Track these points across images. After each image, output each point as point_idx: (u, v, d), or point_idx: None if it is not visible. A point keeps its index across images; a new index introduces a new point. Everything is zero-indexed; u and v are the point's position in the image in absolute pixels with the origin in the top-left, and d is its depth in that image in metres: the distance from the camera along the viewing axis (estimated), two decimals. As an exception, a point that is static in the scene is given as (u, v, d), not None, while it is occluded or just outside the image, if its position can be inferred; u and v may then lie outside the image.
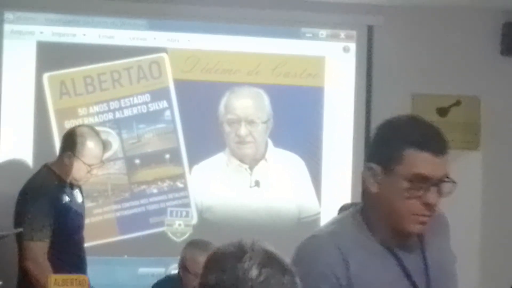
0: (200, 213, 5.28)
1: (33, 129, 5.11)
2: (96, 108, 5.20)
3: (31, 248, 4.15)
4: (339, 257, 2.06)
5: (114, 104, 5.22)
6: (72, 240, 4.34)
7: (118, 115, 5.23)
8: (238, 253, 1.64)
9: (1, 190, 4.77)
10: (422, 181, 2.04)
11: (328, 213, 5.08)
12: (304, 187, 5.38)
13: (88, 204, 4.86)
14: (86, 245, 4.51)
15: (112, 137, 5.19)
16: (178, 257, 4.22)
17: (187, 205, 5.28)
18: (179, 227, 5.24)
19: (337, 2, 5.34)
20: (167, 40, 5.30)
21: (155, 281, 4.50)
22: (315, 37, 5.44)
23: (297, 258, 2.09)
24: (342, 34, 5.46)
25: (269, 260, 1.64)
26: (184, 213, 5.26)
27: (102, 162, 4.49)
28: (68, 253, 4.26)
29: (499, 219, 5.47)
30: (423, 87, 5.47)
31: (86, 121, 5.11)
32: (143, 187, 5.23)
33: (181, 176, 5.27)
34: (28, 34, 5.15)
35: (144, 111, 5.25)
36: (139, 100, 5.24)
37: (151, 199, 5.23)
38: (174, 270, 4.71)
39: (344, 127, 5.41)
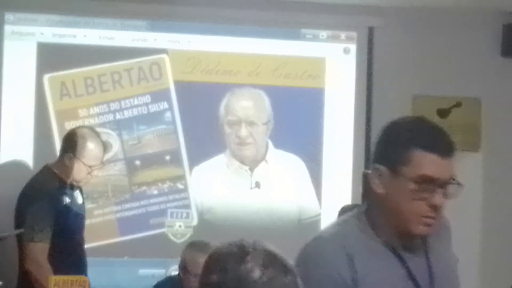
0: (201, 214, 5.28)
1: (33, 130, 5.11)
2: (96, 109, 5.20)
3: (31, 249, 4.15)
4: (344, 258, 2.06)
5: (114, 105, 5.22)
6: (73, 241, 4.34)
7: (118, 116, 5.22)
8: (240, 253, 1.64)
9: (1, 191, 4.77)
10: (429, 183, 2.03)
11: (328, 215, 5.08)
12: (304, 189, 5.38)
13: (89, 205, 4.86)
14: (86, 246, 4.51)
15: (112, 138, 5.19)
16: (179, 258, 4.23)
17: (188, 206, 5.28)
18: (180, 229, 5.24)
19: (338, 4, 5.33)
20: (167, 41, 5.30)
21: (155, 282, 4.51)
22: (315, 38, 5.44)
23: (302, 259, 2.08)
24: (343, 35, 5.47)
25: (271, 260, 1.64)
26: (184, 215, 5.26)
27: (103, 163, 4.49)
28: (69, 254, 4.26)
29: (499, 221, 5.47)
30: (424, 89, 5.47)
31: (87, 122, 5.11)
32: (144, 188, 5.23)
33: (182, 177, 5.27)
34: (29, 35, 5.15)
35: (145, 112, 5.25)
36: (140, 101, 5.24)
37: (151, 200, 5.23)
38: (174, 271, 4.72)
39: (345, 129, 5.41)
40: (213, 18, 5.29)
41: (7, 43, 5.12)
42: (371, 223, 2.14)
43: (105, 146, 4.59)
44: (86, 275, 4.11)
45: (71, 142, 4.36)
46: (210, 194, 5.30)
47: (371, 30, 5.47)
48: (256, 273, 1.61)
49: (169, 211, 5.25)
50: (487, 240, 5.49)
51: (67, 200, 4.31)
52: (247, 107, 5.35)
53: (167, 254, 5.10)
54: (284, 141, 5.37)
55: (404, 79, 5.45)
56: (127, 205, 5.20)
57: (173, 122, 5.26)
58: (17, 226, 4.25)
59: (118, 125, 5.23)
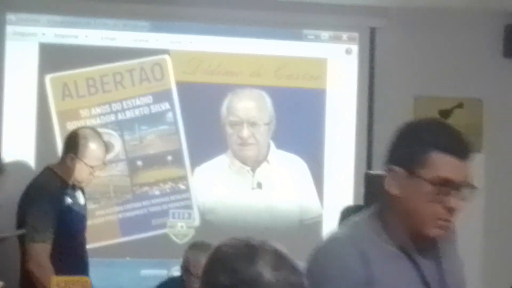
0: (202, 215, 5.28)
1: (35, 131, 5.12)
2: (98, 110, 5.20)
3: (33, 250, 4.15)
4: (360, 260, 2.04)
5: (116, 106, 5.22)
6: (75, 242, 4.34)
7: (120, 116, 5.23)
8: (250, 254, 1.63)
9: (3, 191, 4.77)
10: (446, 185, 2.02)
11: (330, 215, 5.07)
12: (306, 189, 5.38)
13: (90, 206, 4.86)
14: (88, 246, 4.51)
15: (114, 138, 5.19)
16: (181, 259, 4.22)
17: (189, 207, 5.28)
18: (181, 229, 5.24)
19: (340, 4, 5.33)
20: (169, 42, 5.30)
21: (157, 283, 4.50)
22: (317, 39, 5.43)
23: (316, 261, 2.08)
24: (345, 36, 5.46)
25: (281, 261, 1.64)
26: (186, 215, 5.26)
27: (104, 164, 4.49)
28: (71, 254, 4.26)
29: (502, 221, 5.47)
30: (426, 89, 5.47)
31: (88, 122, 5.11)
32: (145, 188, 5.23)
33: (183, 178, 5.27)
34: (31, 35, 5.15)
35: (146, 113, 5.25)
36: (141, 102, 5.24)
37: (153, 201, 5.23)
38: (176, 272, 4.71)
39: (346, 129, 5.41)
40: (215, 18, 5.29)
41: (9, 44, 5.12)
42: (384, 225, 2.12)
43: (107, 147, 4.59)
44: (88, 275, 4.10)
45: (73, 142, 4.36)
46: (212, 195, 5.30)
47: (373, 31, 5.47)
48: (268, 275, 1.60)
49: (171, 211, 5.25)
50: (489, 240, 5.49)
51: (69, 200, 4.32)
52: (249, 108, 5.35)
53: (169, 254, 5.10)
54: (286, 141, 5.36)
55: (406, 80, 5.45)
56: (129, 206, 5.20)
57: (175, 122, 5.26)
58: (19, 226, 4.25)
59: (120, 126, 5.23)
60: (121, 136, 5.22)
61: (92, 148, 4.34)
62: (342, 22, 5.44)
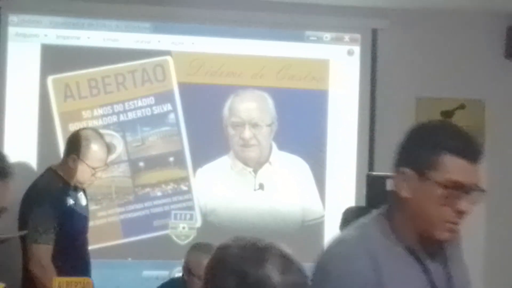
0: (204, 216, 5.28)
1: (37, 132, 5.12)
2: (100, 111, 5.20)
3: (35, 251, 4.15)
4: (369, 262, 2.03)
5: (118, 107, 5.22)
6: (76, 243, 4.34)
7: (122, 118, 5.23)
8: (258, 256, 1.64)
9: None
10: (457, 188, 2.01)
11: (332, 216, 5.07)
12: (308, 190, 5.38)
13: (92, 207, 4.87)
14: (90, 248, 4.51)
15: (116, 140, 5.19)
16: (182, 260, 4.22)
17: (191, 208, 5.28)
18: (183, 230, 5.24)
19: (342, 5, 5.33)
20: (171, 43, 5.30)
21: (159, 284, 4.50)
22: (319, 40, 5.44)
23: (325, 262, 2.07)
24: (347, 37, 5.47)
25: (288, 263, 1.66)
26: (188, 216, 5.26)
27: (106, 165, 4.49)
28: (72, 256, 4.26)
29: (503, 223, 5.47)
30: (428, 90, 5.47)
31: (91, 124, 5.11)
32: (147, 190, 5.23)
33: (185, 179, 5.27)
34: (33, 36, 5.15)
35: (149, 114, 5.25)
36: (144, 103, 5.25)
37: (155, 202, 5.23)
38: (178, 273, 4.71)
39: (348, 130, 5.41)
40: (217, 20, 5.29)
41: (11, 45, 5.13)
42: (392, 227, 2.11)
43: (109, 148, 4.59)
44: (89, 276, 4.10)
45: (75, 143, 4.36)
46: (214, 196, 5.30)
47: (375, 32, 5.47)
48: (276, 278, 1.62)
49: (172, 212, 5.25)
50: (491, 241, 5.48)
51: (71, 201, 4.31)
52: (251, 109, 5.35)
53: (171, 256, 5.10)
54: (288, 143, 5.37)
55: (408, 81, 5.45)
56: (131, 207, 5.20)
57: (177, 123, 5.26)
58: (21, 227, 4.25)
59: (122, 127, 5.23)
60: (123, 137, 5.22)
61: (94, 149, 4.34)
62: (344, 24, 5.44)
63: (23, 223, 4.24)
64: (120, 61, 5.23)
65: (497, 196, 5.44)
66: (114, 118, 5.22)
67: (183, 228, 5.24)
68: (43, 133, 5.12)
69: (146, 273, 5.17)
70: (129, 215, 5.19)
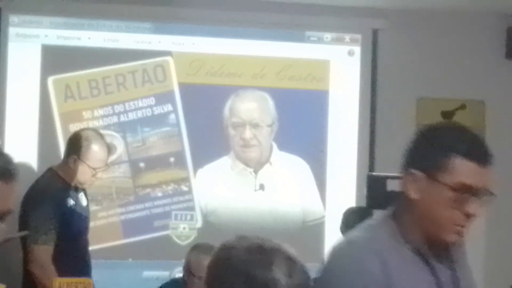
0: (205, 216, 5.28)
1: (38, 132, 5.12)
2: (100, 112, 5.20)
3: (36, 252, 4.14)
4: (378, 263, 2.02)
5: (118, 108, 5.22)
6: (77, 244, 4.34)
7: (122, 118, 5.23)
8: (265, 259, 1.65)
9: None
10: (466, 191, 2.00)
11: (332, 217, 5.08)
12: (308, 191, 5.38)
13: (93, 208, 4.86)
14: (90, 248, 4.50)
15: (116, 140, 5.20)
16: (183, 261, 4.21)
17: (192, 208, 5.28)
18: (184, 231, 5.24)
19: (342, 6, 5.34)
20: (172, 43, 5.30)
21: (159, 284, 4.50)
22: (320, 40, 5.44)
23: (334, 263, 2.07)
24: (347, 37, 5.47)
25: (294, 266, 1.67)
26: (188, 217, 5.26)
27: (107, 166, 4.48)
28: (73, 256, 4.26)
29: (503, 223, 5.46)
30: (428, 91, 5.47)
31: (91, 124, 5.11)
32: (148, 190, 5.23)
33: (186, 180, 5.27)
34: (33, 37, 5.16)
35: (149, 114, 5.25)
36: (144, 104, 5.25)
37: (155, 203, 5.23)
38: (178, 273, 4.71)
39: (349, 131, 5.41)
40: (217, 20, 5.29)
41: (11, 45, 5.13)
42: (400, 228, 2.09)
43: (110, 148, 4.59)
44: (90, 277, 4.09)
45: (75, 144, 4.35)
46: (214, 196, 5.30)
47: (375, 32, 5.47)
48: (283, 281, 1.63)
49: (173, 213, 5.25)
50: (491, 242, 5.48)
51: (71, 202, 4.31)
52: (252, 109, 5.35)
53: (171, 256, 5.10)
54: (289, 143, 5.37)
55: (409, 81, 5.45)
56: (131, 207, 5.20)
57: (178, 124, 5.26)
58: (22, 228, 4.24)
59: (123, 127, 5.23)
60: (124, 137, 5.23)
61: (95, 150, 4.33)
62: (345, 24, 5.44)
63: (23, 223, 4.24)
64: (120, 61, 5.23)
65: (498, 195, 5.44)
66: (115, 119, 5.22)
67: (184, 228, 5.24)
68: (44, 134, 5.12)
69: (147, 273, 5.17)
70: (130, 216, 5.20)
